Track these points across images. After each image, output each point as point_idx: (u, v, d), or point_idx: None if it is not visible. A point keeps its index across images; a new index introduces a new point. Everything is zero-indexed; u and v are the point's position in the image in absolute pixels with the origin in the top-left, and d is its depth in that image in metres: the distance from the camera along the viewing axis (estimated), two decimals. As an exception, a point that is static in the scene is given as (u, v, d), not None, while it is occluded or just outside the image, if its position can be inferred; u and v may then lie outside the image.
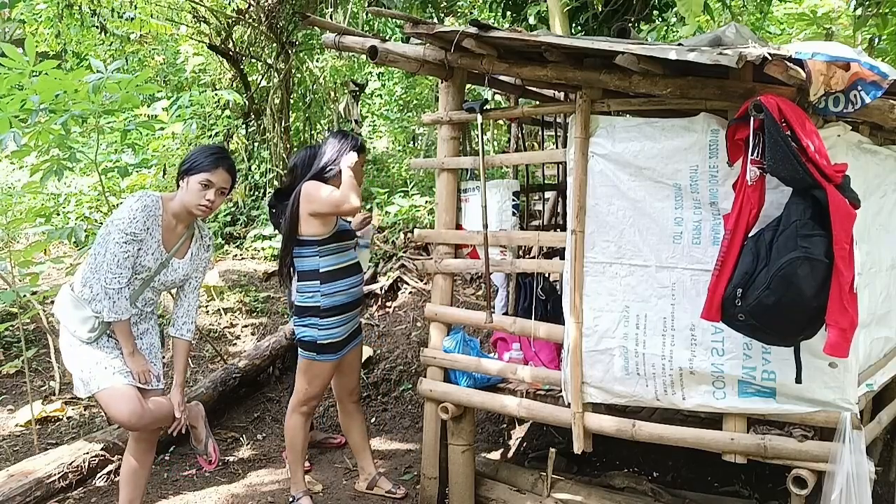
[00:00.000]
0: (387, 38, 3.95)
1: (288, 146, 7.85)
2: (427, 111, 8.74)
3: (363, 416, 4.01)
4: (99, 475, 3.94)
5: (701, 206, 2.77)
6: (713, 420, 2.89)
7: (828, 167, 2.36)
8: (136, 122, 5.85)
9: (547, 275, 3.83)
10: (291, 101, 8.25)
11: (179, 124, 6.50)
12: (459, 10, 8.90)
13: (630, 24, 4.01)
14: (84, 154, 4.74)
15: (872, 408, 3.20)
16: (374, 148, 9.78)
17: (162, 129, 6.48)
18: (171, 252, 3.13)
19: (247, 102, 7.83)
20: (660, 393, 2.89)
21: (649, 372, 2.89)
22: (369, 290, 5.91)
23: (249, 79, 8.01)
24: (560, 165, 4.37)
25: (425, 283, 5.90)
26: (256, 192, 7.84)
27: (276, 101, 7.77)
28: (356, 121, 9.45)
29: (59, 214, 7.43)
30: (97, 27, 7.99)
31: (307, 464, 4.05)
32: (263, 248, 6.99)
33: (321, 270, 3.45)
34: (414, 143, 9.99)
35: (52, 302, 3.73)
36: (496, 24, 4.32)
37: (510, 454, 4.40)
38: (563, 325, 3.10)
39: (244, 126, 8.04)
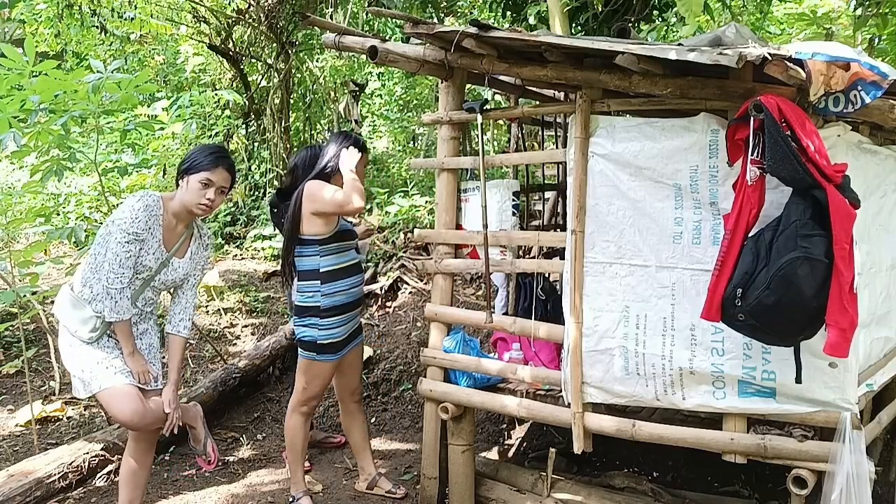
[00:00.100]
0: (387, 38, 3.95)
1: (288, 146, 7.85)
2: (427, 111, 8.74)
3: (365, 417, 4.01)
4: (99, 475, 3.94)
5: (701, 206, 2.77)
6: (713, 420, 2.89)
7: (828, 167, 2.36)
8: (136, 122, 5.86)
9: (547, 275, 3.83)
10: (291, 101, 8.25)
11: (179, 124, 6.51)
12: (459, 10, 8.90)
13: (630, 24, 4.01)
14: (84, 154, 4.74)
15: (872, 408, 3.20)
16: (374, 148, 9.78)
17: (162, 129, 6.49)
18: (172, 252, 3.14)
19: (247, 102, 7.83)
20: (660, 393, 2.89)
21: (649, 372, 2.89)
22: (369, 290, 5.92)
23: (249, 79, 8.01)
24: (560, 165, 4.37)
25: (425, 283, 5.90)
26: (256, 192, 7.84)
27: (276, 101, 7.77)
28: (356, 121, 9.44)
29: (59, 214, 7.43)
30: (97, 27, 8.00)
31: (307, 464, 4.05)
32: (263, 248, 6.99)
33: (322, 270, 3.45)
34: (414, 143, 9.99)
35: (52, 302, 3.73)
36: (496, 24, 4.31)
37: (510, 454, 4.40)
38: (563, 325, 3.10)
39: (244, 126, 8.04)
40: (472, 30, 3.01)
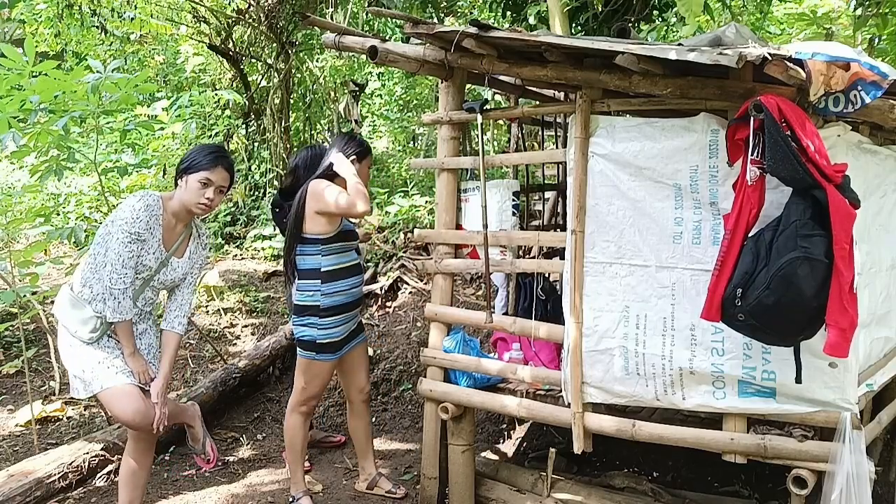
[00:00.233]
0: (387, 38, 3.95)
1: (288, 146, 7.84)
2: (427, 111, 8.74)
3: (370, 417, 4.00)
4: (99, 475, 3.94)
5: (701, 206, 2.77)
6: (713, 420, 2.89)
7: (828, 167, 2.36)
8: (136, 122, 5.85)
9: (547, 275, 3.82)
10: (291, 101, 8.25)
11: (179, 124, 6.50)
12: (459, 10, 8.90)
13: (630, 24, 4.01)
14: (83, 154, 4.74)
15: (872, 408, 3.20)
16: (374, 148, 9.77)
17: (162, 129, 6.48)
18: (171, 251, 3.14)
19: (247, 102, 7.83)
20: (660, 393, 2.89)
21: (649, 372, 2.89)
22: (369, 290, 5.91)
23: (249, 79, 8.01)
24: (560, 165, 4.37)
25: (425, 283, 5.89)
26: (256, 192, 7.84)
27: (276, 101, 7.76)
28: (356, 121, 9.44)
29: (59, 214, 7.43)
30: (97, 27, 8.01)
31: (307, 464, 4.05)
32: (263, 248, 6.99)
33: (323, 270, 3.45)
34: (414, 143, 9.99)
35: (52, 302, 3.73)
36: (496, 24, 4.32)
37: (510, 454, 4.40)
38: (563, 325, 3.10)
39: (244, 126, 8.04)
40: (472, 30, 3.01)
